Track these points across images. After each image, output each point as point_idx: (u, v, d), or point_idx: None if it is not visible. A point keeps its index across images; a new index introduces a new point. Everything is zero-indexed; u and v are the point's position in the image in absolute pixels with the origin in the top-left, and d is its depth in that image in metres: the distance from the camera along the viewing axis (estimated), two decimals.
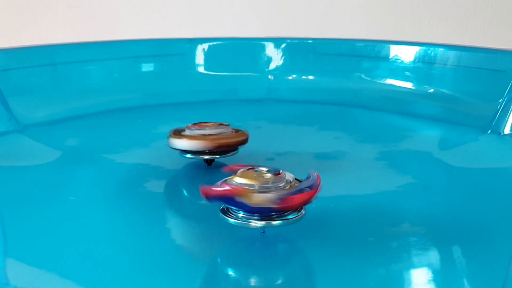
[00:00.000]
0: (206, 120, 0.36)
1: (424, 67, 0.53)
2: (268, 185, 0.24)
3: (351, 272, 0.23)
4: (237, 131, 0.35)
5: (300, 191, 0.24)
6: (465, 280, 0.24)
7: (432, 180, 0.36)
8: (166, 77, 0.57)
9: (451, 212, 0.31)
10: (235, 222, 0.24)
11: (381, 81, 0.55)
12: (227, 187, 0.24)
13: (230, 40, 0.61)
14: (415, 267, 0.25)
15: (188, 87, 0.57)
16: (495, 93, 0.45)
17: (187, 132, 0.34)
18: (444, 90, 0.51)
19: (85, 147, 0.42)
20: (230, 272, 0.24)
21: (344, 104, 0.55)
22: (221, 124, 0.35)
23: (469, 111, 0.48)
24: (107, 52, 0.56)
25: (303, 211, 0.25)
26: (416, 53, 0.53)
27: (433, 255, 0.26)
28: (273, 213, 0.24)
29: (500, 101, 0.44)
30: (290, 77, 0.59)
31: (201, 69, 0.59)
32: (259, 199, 0.24)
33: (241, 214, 0.25)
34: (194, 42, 0.59)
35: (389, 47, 0.55)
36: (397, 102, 0.53)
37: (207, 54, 0.59)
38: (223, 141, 0.34)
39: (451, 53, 0.51)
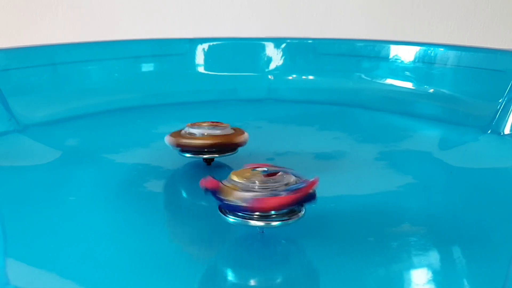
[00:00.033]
0: (205, 120, 0.36)
1: (424, 67, 0.53)
2: (253, 184, 0.24)
3: (351, 272, 0.23)
4: (236, 130, 0.35)
5: (275, 194, 0.24)
6: (465, 280, 0.24)
7: (432, 180, 0.36)
8: (166, 77, 0.57)
9: (451, 212, 0.31)
10: (234, 221, 0.24)
11: (381, 81, 0.55)
12: (213, 181, 0.25)
13: (230, 40, 0.61)
14: (415, 267, 0.25)
15: (188, 87, 0.57)
16: (495, 93, 0.45)
17: (186, 132, 0.34)
18: (444, 90, 0.51)
19: (85, 147, 0.42)
20: (230, 272, 0.24)
21: (344, 104, 0.55)
22: (219, 124, 0.35)
23: (469, 111, 0.48)
24: (107, 52, 0.56)
25: (302, 212, 0.25)
26: (416, 53, 0.53)
27: (433, 255, 0.26)
28: (255, 213, 0.24)
29: (500, 101, 0.44)
30: (290, 77, 0.59)
31: (201, 69, 0.59)
32: (235, 196, 0.24)
33: (240, 213, 0.25)
34: (194, 42, 0.59)
35: (389, 47, 0.55)
36: (397, 102, 0.53)
37: (207, 54, 0.59)
38: (223, 140, 0.34)
39: (451, 53, 0.51)
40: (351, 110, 0.54)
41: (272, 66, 0.59)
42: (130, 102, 0.54)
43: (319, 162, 0.39)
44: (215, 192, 0.25)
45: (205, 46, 0.59)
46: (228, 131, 0.35)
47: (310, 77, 0.59)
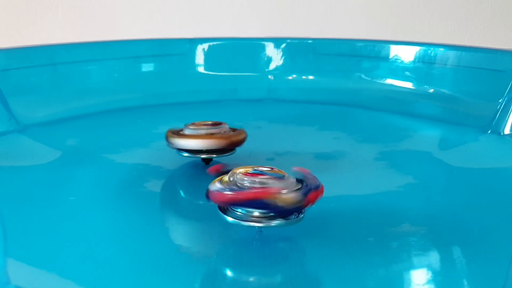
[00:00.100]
0: (205, 120, 0.36)
1: (424, 67, 0.53)
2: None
3: (351, 272, 0.23)
4: (234, 130, 0.35)
5: (317, 187, 0.24)
6: (465, 280, 0.24)
7: (432, 180, 0.36)
8: (166, 77, 0.57)
9: (451, 212, 0.31)
10: (234, 221, 0.24)
11: (381, 81, 0.55)
12: (255, 190, 0.24)
13: (230, 40, 0.61)
14: (415, 267, 0.25)
15: (188, 87, 0.57)
16: (495, 93, 0.45)
17: (185, 132, 0.34)
18: (444, 90, 0.51)
19: (85, 147, 0.42)
20: (230, 272, 0.24)
21: (344, 104, 0.55)
22: (218, 123, 0.35)
23: (469, 111, 0.48)
24: (107, 52, 0.56)
25: (302, 213, 0.25)
26: (416, 53, 0.53)
27: (433, 255, 0.26)
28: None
29: (500, 101, 0.44)
30: (290, 77, 0.59)
31: (201, 69, 0.59)
32: (289, 200, 0.24)
33: (239, 212, 0.25)
34: (194, 42, 0.59)
35: (389, 47, 0.55)
36: (397, 102, 0.53)
37: (207, 54, 0.59)
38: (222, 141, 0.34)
39: (451, 53, 0.51)
40: (351, 110, 0.54)
41: (272, 66, 0.59)
42: (130, 102, 0.54)
43: (319, 162, 0.39)
44: (253, 202, 0.24)
45: (205, 46, 0.59)
46: (227, 131, 0.35)
47: (310, 77, 0.59)
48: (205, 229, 0.28)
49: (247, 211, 0.24)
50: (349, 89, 0.56)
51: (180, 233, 0.29)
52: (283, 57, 0.59)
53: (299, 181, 0.25)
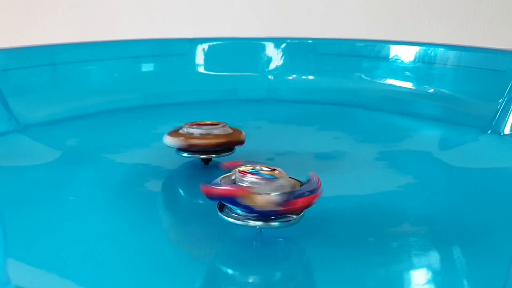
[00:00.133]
0: (205, 120, 0.36)
1: (424, 67, 0.53)
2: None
3: (351, 272, 0.23)
4: (234, 130, 0.35)
5: (301, 195, 0.24)
6: (465, 280, 0.24)
7: (432, 180, 0.36)
8: (166, 77, 0.57)
9: (451, 212, 0.31)
10: (233, 221, 0.24)
11: (381, 81, 0.55)
12: (229, 187, 0.24)
13: (230, 40, 0.61)
14: (415, 267, 0.25)
15: (188, 87, 0.57)
16: (495, 93, 0.45)
17: (183, 131, 0.35)
18: (444, 90, 0.51)
19: (85, 147, 0.42)
20: (230, 272, 0.24)
21: (344, 104, 0.55)
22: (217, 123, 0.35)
23: (469, 111, 0.48)
24: (107, 52, 0.56)
25: (302, 214, 0.25)
26: (416, 53, 0.53)
27: (433, 255, 0.26)
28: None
29: (500, 101, 0.44)
30: (290, 77, 0.59)
31: (201, 69, 0.59)
32: (260, 202, 0.24)
33: (239, 212, 0.25)
34: (194, 42, 0.59)
35: (389, 47, 0.55)
36: (397, 102, 0.53)
37: (207, 54, 0.59)
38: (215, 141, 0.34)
39: (451, 53, 0.51)
40: (351, 110, 0.54)
41: (272, 66, 0.59)
42: (130, 102, 0.54)
43: (319, 162, 0.39)
44: (229, 199, 0.24)
45: (205, 46, 0.59)
46: (227, 131, 0.35)
47: (310, 77, 0.59)
48: (205, 229, 0.28)
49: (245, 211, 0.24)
50: (349, 89, 0.56)
51: (180, 233, 0.29)
52: (283, 57, 0.59)
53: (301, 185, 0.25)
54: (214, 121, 0.35)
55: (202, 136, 0.34)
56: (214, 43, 0.60)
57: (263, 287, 0.23)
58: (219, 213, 0.25)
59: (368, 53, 0.57)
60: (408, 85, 0.53)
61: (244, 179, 0.25)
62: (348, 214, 0.30)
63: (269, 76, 0.59)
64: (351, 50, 0.58)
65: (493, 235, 0.28)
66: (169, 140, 0.34)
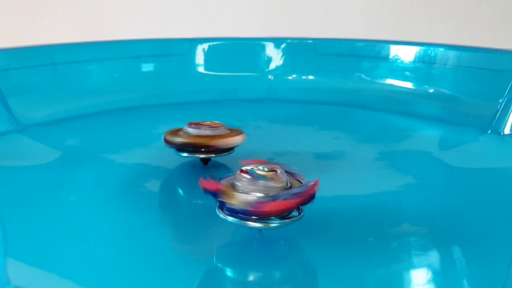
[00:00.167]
0: (205, 120, 0.36)
1: (424, 67, 0.53)
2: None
3: (351, 272, 0.23)
4: (232, 130, 0.35)
5: (276, 199, 0.24)
6: (465, 280, 0.24)
7: (432, 180, 0.36)
8: (166, 77, 0.57)
9: (451, 212, 0.31)
10: (234, 220, 0.24)
11: (381, 81, 0.55)
12: (213, 182, 0.25)
13: (230, 40, 0.61)
14: (415, 267, 0.25)
15: (188, 87, 0.57)
16: (495, 93, 0.45)
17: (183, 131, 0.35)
18: (444, 90, 0.51)
19: (85, 147, 0.42)
20: (230, 272, 0.24)
21: (344, 104, 0.55)
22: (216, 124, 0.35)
23: (469, 111, 0.48)
24: (107, 52, 0.56)
25: (302, 212, 0.25)
26: (416, 53, 0.53)
27: (433, 255, 0.26)
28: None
29: (500, 101, 0.44)
30: (290, 77, 0.59)
31: (201, 69, 0.59)
32: (238, 199, 0.24)
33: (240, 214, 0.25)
34: (194, 42, 0.59)
35: (389, 47, 0.55)
36: (397, 102, 0.53)
37: (207, 54, 0.59)
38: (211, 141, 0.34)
39: (451, 53, 0.51)
40: (351, 110, 0.54)
41: (272, 66, 0.60)
42: (130, 102, 0.54)
43: (319, 162, 0.39)
44: (215, 194, 0.25)
45: (205, 46, 0.59)
46: (223, 131, 0.35)
47: (310, 77, 0.59)
48: (205, 229, 0.28)
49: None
50: (349, 89, 0.56)
51: (180, 233, 0.29)
52: (283, 57, 0.59)
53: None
54: (214, 122, 0.35)
55: (188, 135, 0.34)
56: (214, 43, 0.60)
57: (263, 287, 0.23)
58: (219, 213, 0.25)
59: (368, 53, 0.57)
60: (408, 85, 0.54)
61: (238, 176, 0.25)
62: (348, 214, 0.30)
63: (269, 76, 0.59)
64: (351, 50, 0.58)
65: (493, 235, 0.28)
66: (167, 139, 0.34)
